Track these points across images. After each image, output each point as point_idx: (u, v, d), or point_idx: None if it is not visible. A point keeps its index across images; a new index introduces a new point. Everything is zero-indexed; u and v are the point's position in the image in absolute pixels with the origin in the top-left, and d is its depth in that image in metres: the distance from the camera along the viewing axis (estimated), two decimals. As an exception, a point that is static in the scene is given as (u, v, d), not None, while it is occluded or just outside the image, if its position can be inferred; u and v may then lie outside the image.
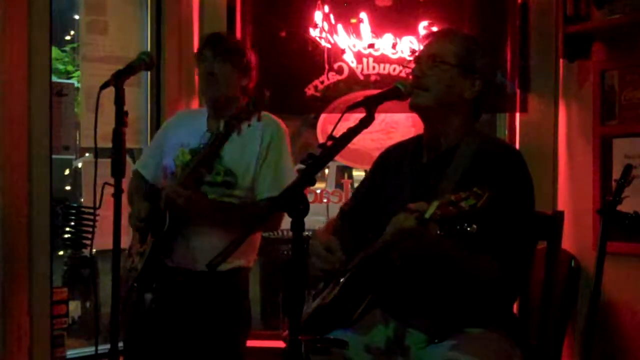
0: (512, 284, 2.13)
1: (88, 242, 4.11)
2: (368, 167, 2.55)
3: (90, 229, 3.66)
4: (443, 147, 2.21)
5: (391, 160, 2.39)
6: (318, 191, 3.86)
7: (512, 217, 2.06)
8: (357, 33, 3.71)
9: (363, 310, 2.17)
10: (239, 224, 2.72)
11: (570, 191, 3.52)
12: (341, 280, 2.18)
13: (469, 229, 1.85)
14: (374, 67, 3.73)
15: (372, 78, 3.73)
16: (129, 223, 2.81)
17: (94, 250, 4.20)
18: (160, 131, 3.16)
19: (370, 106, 1.96)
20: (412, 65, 2.26)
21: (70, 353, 3.54)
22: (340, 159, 3.80)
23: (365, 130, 1.94)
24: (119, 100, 2.22)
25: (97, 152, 2.39)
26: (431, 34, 2.39)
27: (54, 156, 3.32)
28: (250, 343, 3.48)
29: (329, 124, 3.78)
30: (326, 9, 3.72)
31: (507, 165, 2.14)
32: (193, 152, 2.82)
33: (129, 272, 2.81)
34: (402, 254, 1.99)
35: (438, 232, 1.89)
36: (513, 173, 2.14)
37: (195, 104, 3.81)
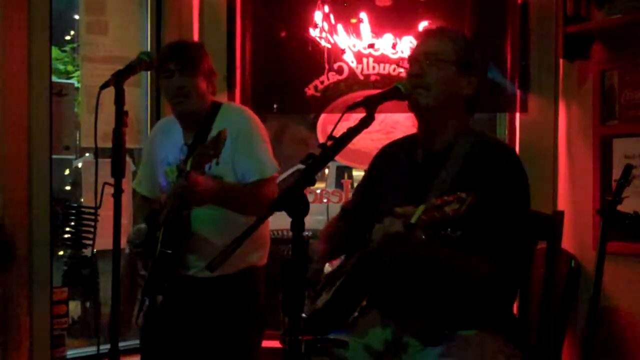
0: (508, 282, 2.11)
1: (88, 242, 4.11)
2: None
3: (91, 229, 3.67)
4: (438, 146, 2.20)
5: (387, 159, 2.38)
6: (318, 191, 3.86)
7: (506, 215, 2.05)
8: (357, 33, 3.71)
9: (358, 313, 2.16)
10: (245, 205, 2.73)
11: (570, 191, 3.52)
12: (336, 283, 2.18)
13: (452, 234, 1.85)
14: (374, 67, 3.73)
15: (372, 78, 3.73)
16: (127, 247, 2.80)
17: (94, 250, 4.21)
18: (146, 146, 3.16)
19: (370, 106, 1.96)
20: (406, 64, 2.25)
21: (70, 353, 3.55)
22: (340, 159, 3.80)
23: (365, 130, 1.94)
24: (119, 100, 2.22)
25: (97, 152, 2.39)
26: (426, 32, 2.36)
27: (54, 156, 3.32)
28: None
29: (329, 124, 3.78)
30: (326, 9, 3.72)
31: (501, 164, 2.13)
32: (178, 169, 2.79)
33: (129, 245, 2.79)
34: (393, 258, 1.99)
35: (423, 237, 1.89)
36: (507, 171, 2.13)
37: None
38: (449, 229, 1.87)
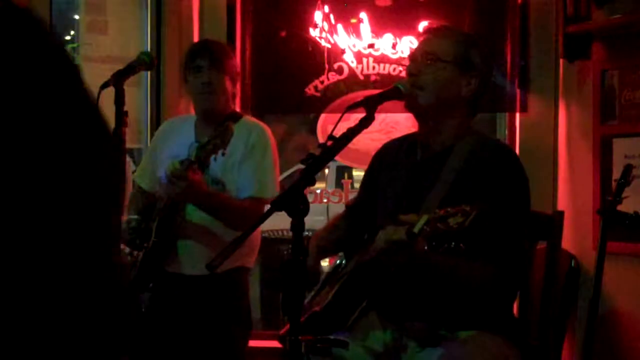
0: (509, 286, 2.12)
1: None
2: (368, 167, 2.55)
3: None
4: (438, 146, 2.19)
5: (386, 157, 2.37)
6: (318, 191, 3.86)
7: (507, 218, 2.05)
8: (357, 33, 3.71)
9: (358, 315, 2.16)
10: (232, 218, 2.74)
11: (570, 191, 3.52)
12: (335, 285, 2.18)
13: (456, 248, 1.85)
14: (374, 67, 3.73)
15: (372, 78, 3.73)
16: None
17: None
18: (152, 141, 3.18)
19: (370, 106, 1.96)
20: (407, 64, 2.25)
21: (70, 353, 3.54)
22: (340, 159, 3.80)
23: (365, 130, 1.94)
24: (119, 100, 2.22)
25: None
26: (427, 31, 2.31)
27: (54, 156, 3.31)
28: (251, 343, 3.45)
29: (329, 124, 3.78)
30: (326, 9, 3.72)
31: (501, 166, 2.12)
32: (182, 163, 2.82)
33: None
34: (394, 264, 1.99)
35: (425, 247, 1.88)
36: (507, 175, 2.11)
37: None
38: (453, 243, 1.86)
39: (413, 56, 2.21)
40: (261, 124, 2.95)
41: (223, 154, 2.54)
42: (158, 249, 2.75)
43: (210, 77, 2.79)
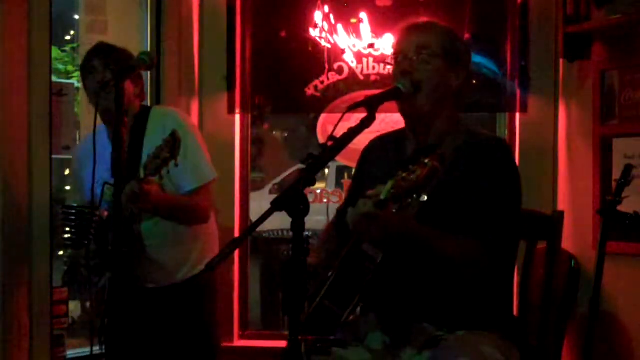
0: (493, 262, 2.06)
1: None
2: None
3: (91, 230, 3.66)
4: (428, 140, 2.18)
5: (374, 153, 2.36)
6: (318, 191, 3.86)
7: (493, 200, 2.05)
8: (357, 33, 3.72)
9: (357, 314, 2.15)
10: (187, 217, 2.76)
11: (570, 191, 3.52)
12: (326, 284, 2.16)
13: (420, 199, 1.85)
14: (374, 67, 3.73)
15: (372, 78, 3.73)
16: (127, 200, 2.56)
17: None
18: (73, 162, 3.10)
19: (371, 106, 1.96)
20: (391, 61, 2.21)
21: (70, 353, 3.54)
22: (340, 159, 3.80)
23: (365, 130, 1.94)
24: (119, 100, 2.22)
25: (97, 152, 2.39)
26: (411, 27, 2.24)
27: (54, 156, 3.31)
28: (250, 343, 3.48)
29: (329, 124, 3.79)
30: (326, 9, 3.72)
31: (491, 154, 2.12)
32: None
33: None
34: (373, 243, 1.97)
35: (394, 210, 1.87)
36: (497, 160, 2.12)
37: (195, 105, 3.81)
38: (415, 195, 1.85)
39: (402, 53, 2.17)
40: (173, 109, 2.88)
41: (176, 165, 2.40)
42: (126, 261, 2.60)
43: (106, 77, 2.64)
